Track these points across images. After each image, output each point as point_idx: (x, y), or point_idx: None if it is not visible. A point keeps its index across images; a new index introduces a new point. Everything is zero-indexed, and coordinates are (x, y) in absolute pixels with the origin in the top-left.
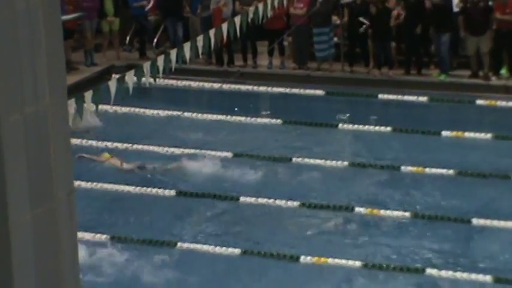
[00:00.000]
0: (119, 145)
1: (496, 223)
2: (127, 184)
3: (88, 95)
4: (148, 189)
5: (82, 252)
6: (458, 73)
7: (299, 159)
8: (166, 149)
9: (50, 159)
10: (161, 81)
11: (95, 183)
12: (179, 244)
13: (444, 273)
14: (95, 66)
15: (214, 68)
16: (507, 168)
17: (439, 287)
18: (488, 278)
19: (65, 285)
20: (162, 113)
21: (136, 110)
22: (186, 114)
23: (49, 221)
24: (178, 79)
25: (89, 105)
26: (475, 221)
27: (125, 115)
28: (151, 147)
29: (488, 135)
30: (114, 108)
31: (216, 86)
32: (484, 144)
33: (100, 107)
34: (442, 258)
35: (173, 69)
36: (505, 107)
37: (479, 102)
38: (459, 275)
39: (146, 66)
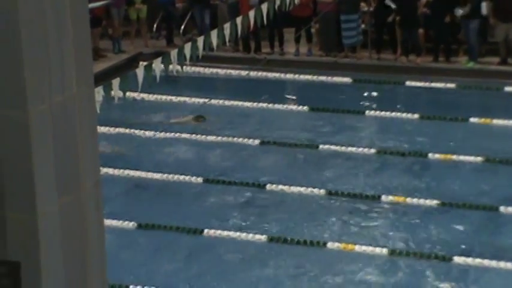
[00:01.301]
0: (147, 133)
1: None
2: (155, 171)
3: (115, 82)
4: (176, 176)
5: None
6: (487, 60)
7: (326, 147)
8: (193, 136)
9: (77, 149)
10: (188, 69)
11: (122, 170)
12: (206, 231)
13: (471, 261)
14: (122, 54)
15: (241, 55)
16: None
17: (467, 275)
18: (509, 266)
19: (91, 274)
20: (189, 100)
21: (164, 97)
22: (213, 101)
23: (76, 210)
24: (205, 66)
25: (116, 93)
26: (503, 209)
27: (152, 103)
28: (177, 135)
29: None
30: (142, 95)
31: (243, 73)
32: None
33: (127, 94)
34: (470, 247)
35: (200, 56)
36: None
37: (507, 89)
38: (487, 262)
39: (173, 53)
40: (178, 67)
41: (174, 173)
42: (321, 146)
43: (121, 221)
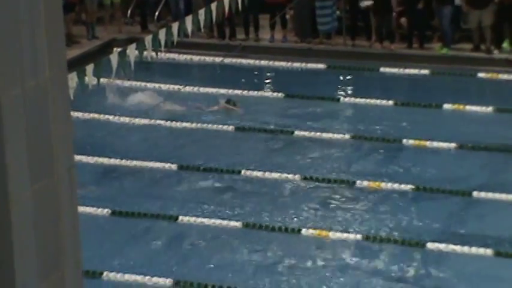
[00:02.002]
0: (122, 119)
1: (497, 196)
2: (128, 158)
3: (89, 68)
4: (150, 163)
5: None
6: (461, 46)
7: (301, 133)
8: (168, 122)
9: (50, 133)
10: (163, 55)
11: (96, 157)
12: (181, 218)
13: (445, 246)
14: (96, 40)
15: (216, 41)
16: (508, 141)
17: (440, 260)
18: (488, 252)
19: (65, 261)
20: (164, 86)
21: (138, 83)
22: (188, 88)
23: (49, 196)
24: (180, 53)
25: (90, 79)
26: (476, 194)
27: (127, 89)
28: (152, 121)
29: (490, 108)
30: (116, 81)
31: (218, 59)
32: (485, 117)
33: (101, 80)
34: (443, 232)
35: (175, 42)
36: (506, 80)
37: (481, 75)
38: (460, 248)
39: (148, 39)
40: (153, 53)
41: (148, 159)
42: (296, 132)
43: (95, 208)
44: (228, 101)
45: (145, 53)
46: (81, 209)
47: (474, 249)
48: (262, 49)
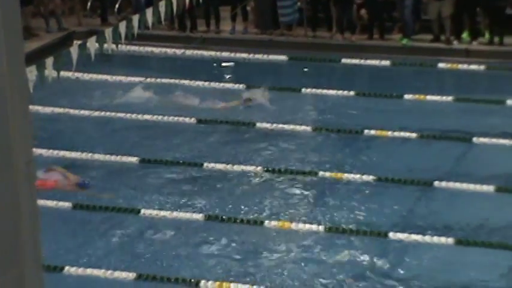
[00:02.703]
0: (85, 112)
1: (458, 185)
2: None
3: (49, 61)
4: (112, 157)
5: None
6: (421, 37)
7: (263, 124)
8: (129, 115)
9: (8, 128)
10: (123, 48)
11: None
12: (143, 211)
13: (407, 236)
14: (55, 33)
15: (177, 33)
16: (468, 130)
17: (402, 250)
18: (450, 240)
19: (25, 256)
20: (125, 79)
21: (99, 76)
22: (149, 80)
23: (8, 191)
24: (140, 45)
25: (50, 72)
26: (437, 184)
27: (87, 82)
28: (113, 114)
29: (450, 98)
30: (76, 74)
31: (179, 51)
32: (445, 107)
33: (62, 73)
34: (405, 222)
35: (135, 35)
36: (466, 71)
37: (441, 65)
38: (421, 238)
39: (108, 32)
40: (113, 46)
41: (110, 153)
42: (258, 124)
43: (56, 202)
44: (246, 101)
45: (105, 45)
46: (42, 202)
47: (436, 238)
48: (223, 41)
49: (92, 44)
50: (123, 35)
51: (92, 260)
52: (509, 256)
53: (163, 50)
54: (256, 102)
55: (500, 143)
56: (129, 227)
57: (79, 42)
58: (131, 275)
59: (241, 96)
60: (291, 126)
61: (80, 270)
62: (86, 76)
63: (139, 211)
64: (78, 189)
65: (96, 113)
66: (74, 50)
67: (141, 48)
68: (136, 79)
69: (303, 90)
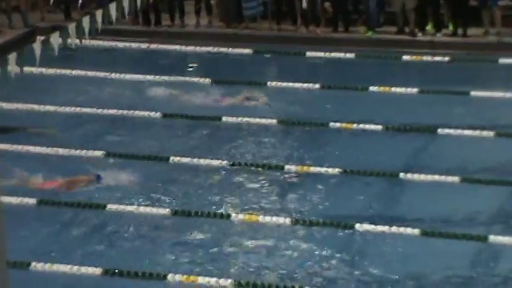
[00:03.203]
0: (50, 108)
1: (423, 177)
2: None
3: (12, 57)
4: (77, 151)
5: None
6: (385, 29)
7: (228, 118)
8: (95, 110)
9: None
10: (87, 43)
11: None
12: (109, 206)
13: (373, 227)
14: (18, 29)
15: (141, 28)
16: (433, 122)
17: (369, 241)
18: (416, 232)
19: None
20: (90, 74)
21: (63, 71)
22: (114, 75)
23: None
24: (105, 40)
25: (13, 68)
26: (403, 176)
27: (51, 77)
28: (79, 109)
29: (415, 90)
30: (40, 70)
31: (144, 46)
32: (410, 99)
33: (25, 69)
34: (371, 214)
35: (99, 30)
36: (430, 62)
37: (405, 57)
38: (388, 229)
39: (71, 27)
40: (77, 41)
41: (75, 147)
42: (224, 118)
43: (20, 198)
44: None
45: (69, 40)
46: (6, 199)
47: (402, 229)
48: (188, 35)
49: (56, 40)
50: (86, 30)
51: (58, 256)
52: (474, 246)
53: (128, 44)
54: (255, 100)
55: (464, 134)
56: (95, 223)
57: (42, 37)
58: (98, 270)
59: (242, 93)
60: (256, 120)
61: (47, 266)
62: (50, 71)
63: (105, 206)
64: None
65: (61, 109)
66: (37, 46)
67: (106, 43)
68: (101, 74)
69: (269, 83)
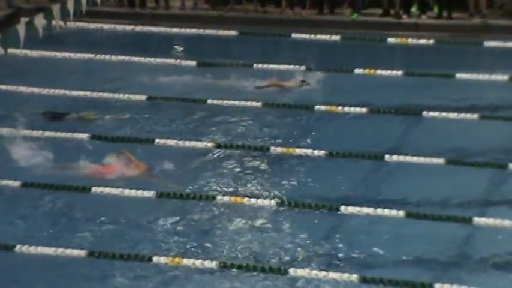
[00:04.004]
0: (35, 90)
1: (408, 159)
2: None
3: None
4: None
5: None
6: (370, 12)
7: (214, 101)
8: (79, 93)
9: None
10: (72, 24)
11: None
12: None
13: (358, 210)
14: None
15: (126, 10)
16: (418, 104)
17: (354, 223)
18: (401, 213)
19: None
20: (74, 56)
21: (47, 53)
22: (98, 57)
23: None
24: (89, 22)
25: None
26: (388, 158)
27: (36, 59)
28: (62, 91)
29: (400, 72)
30: (25, 52)
31: (128, 28)
32: (395, 81)
33: (9, 50)
34: (356, 195)
35: (84, 11)
36: (415, 45)
37: (390, 40)
38: (373, 211)
39: (56, 8)
40: (62, 23)
41: (59, 130)
42: (209, 101)
43: (5, 181)
44: (302, 81)
45: (53, 22)
46: None
47: (387, 211)
48: (173, 17)
49: (39, 21)
50: (71, 12)
51: (43, 238)
52: (459, 228)
53: (113, 26)
54: (310, 84)
55: (449, 116)
56: (80, 206)
57: (26, 19)
58: (83, 253)
59: (296, 77)
60: (242, 102)
61: (32, 249)
62: (34, 53)
63: (90, 189)
64: (149, 176)
65: (45, 91)
66: (21, 27)
67: (90, 25)
68: (85, 56)
69: (255, 65)
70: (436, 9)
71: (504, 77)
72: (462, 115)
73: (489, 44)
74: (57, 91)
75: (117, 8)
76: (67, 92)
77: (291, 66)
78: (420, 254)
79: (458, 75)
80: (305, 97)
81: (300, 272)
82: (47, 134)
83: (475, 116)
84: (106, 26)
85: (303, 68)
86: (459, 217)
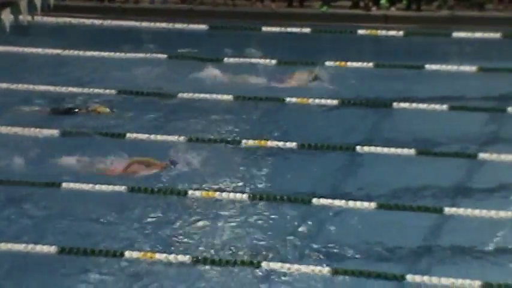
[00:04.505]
0: (3, 85)
1: (379, 150)
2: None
3: None
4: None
5: None
6: (340, 4)
7: (184, 95)
8: (49, 87)
9: None
10: (40, 19)
11: None
12: (64, 185)
13: (330, 202)
14: None
15: (95, 4)
16: (388, 96)
17: (326, 216)
18: (372, 205)
19: None
20: (42, 51)
21: (15, 48)
22: (67, 51)
23: None
24: (57, 16)
25: None
26: (359, 149)
27: (3, 54)
28: (31, 86)
29: (370, 64)
30: None
31: (97, 22)
32: (366, 73)
33: None
34: (328, 187)
35: (51, 5)
36: (385, 36)
37: (360, 32)
38: (344, 203)
39: (23, 3)
40: (29, 17)
41: (28, 126)
42: (179, 95)
43: None
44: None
45: (21, 17)
46: None
47: (358, 203)
48: (143, 11)
49: (7, 15)
50: (38, 6)
51: (12, 235)
52: (430, 218)
53: (82, 20)
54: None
55: (419, 107)
56: (50, 202)
57: None
58: (53, 249)
59: (310, 71)
60: (213, 96)
61: (2, 245)
62: (1, 48)
63: (59, 185)
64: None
65: (14, 86)
66: None
67: (59, 19)
68: (54, 51)
69: (225, 59)
70: (404, 1)
71: (473, 68)
72: (432, 106)
73: (458, 34)
74: (25, 86)
75: (86, 2)
76: (36, 87)
77: (262, 60)
78: (392, 245)
79: (428, 66)
80: (276, 90)
81: (273, 265)
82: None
83: (445, 106)
84: (74, 21)
85: (274, 60)
86: (430, 207)
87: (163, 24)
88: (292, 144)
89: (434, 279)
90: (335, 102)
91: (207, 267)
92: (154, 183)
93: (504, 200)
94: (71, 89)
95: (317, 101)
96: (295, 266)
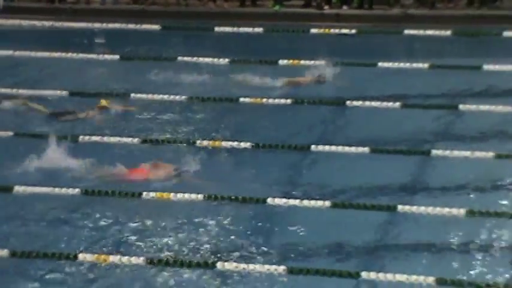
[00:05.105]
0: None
1: (333, 148)
2: None
3: None
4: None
5: None
6: (292, 3)
7: (138, 95)
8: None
9: None
10: None
11: None
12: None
13: (284, 201)
14: None
15: (45, 5)
16: (339, 94)
17: (278, 215)
18: (327, 204)
19: None
20: None
21: None
22: (18, 53)
23: None
24: (7, 18)
25: None
26: (314, 148)
27: None
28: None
29: (323, 63)
30: None
31: (48, 23)
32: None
33: None
34: (282, 187)
35: (1, 7)
36: (337, 34)
37: (313, 31)
38: (298, 202)
39: None
40: None
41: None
42: (132, 95)
43: None
44: (319, 76)
45: None
46: None
47: (313, 202)
48: (94, 11)
49: None
50: None
51: None
52: (383, 216)
53: (32, 22)
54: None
55: (372, 105)
56: (2, 205)
57: None
58: (4, 252)
59: (314, 72)
60: (165, 96)
61: None
62: None
63: (11, 189)
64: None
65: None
66: None
67: (9, 21)
68: (4, 52)
69: (179, 58)
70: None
71: (425, 65)
72: (385, 104)
73: (409, 32)
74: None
75: (36, 3)
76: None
77: (216, 60)
78: (346, 243)
79: (380, 64)
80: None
81: (228, 266)
82: None
83: (397, 104)
84: (24, 22)
85: (227, 60)
86: (384, 205)
87: (116, 25)
88: (246, 144)
89: (389, 276)
90: (288, 101)
91: (162, 268)
92: (109, 185)
93: (457, 197)
94: (21, 91)
95: (270, 100)
96: (251, 266)
